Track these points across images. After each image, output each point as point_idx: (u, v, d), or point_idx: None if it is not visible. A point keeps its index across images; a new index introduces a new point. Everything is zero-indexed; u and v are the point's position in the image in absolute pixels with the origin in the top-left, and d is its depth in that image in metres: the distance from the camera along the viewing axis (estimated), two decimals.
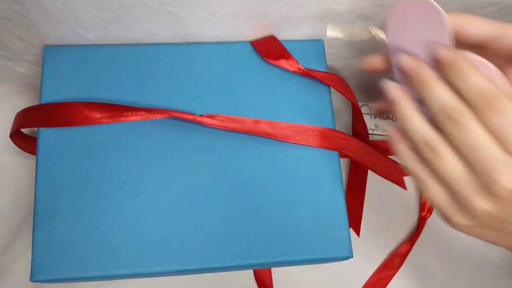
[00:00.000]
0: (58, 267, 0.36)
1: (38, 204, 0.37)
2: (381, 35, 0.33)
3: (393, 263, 0.51)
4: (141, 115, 0.39)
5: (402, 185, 0.42)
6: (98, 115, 0.39)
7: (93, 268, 0.36)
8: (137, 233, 0.37)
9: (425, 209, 0.54)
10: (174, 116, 0.39)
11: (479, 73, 0.26)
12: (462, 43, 0.30)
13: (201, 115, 0.39)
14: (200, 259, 0.37)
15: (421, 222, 0.53)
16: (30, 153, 0.47)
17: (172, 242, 0.37)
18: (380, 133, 0.55)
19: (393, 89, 0.29)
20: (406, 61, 0.29)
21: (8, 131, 0.51)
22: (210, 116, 0.39)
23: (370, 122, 0.55)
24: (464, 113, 0.26)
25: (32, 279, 0.35)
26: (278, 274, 0.49)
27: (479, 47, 0.30)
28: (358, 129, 0.49)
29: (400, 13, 0.31)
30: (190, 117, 0.39)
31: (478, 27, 0.29)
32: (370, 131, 0.55)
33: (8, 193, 0.50)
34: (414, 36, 0.30)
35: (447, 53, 0.27)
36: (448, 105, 0.26)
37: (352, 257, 0.38)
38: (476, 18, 0.30)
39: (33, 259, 0.35)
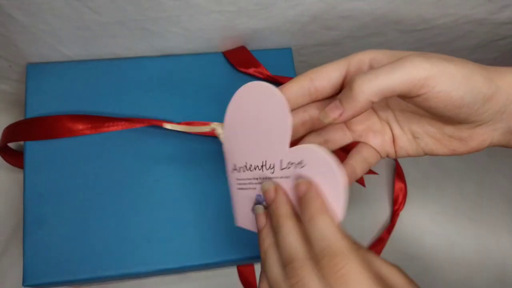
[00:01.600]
0: (49, 271, 0.38)
1: (27, 213, 0.39)
2: (219, 130, 0.31)
3: None
4: (121, 125, 0.41)
5: (362, 183, 0.45)
6: (81, 127, 0.41)
7: (81, 271, 0.38)
8: (121, 236, 0.39)
9: (397, 203, 0.57)
10: (153, 125, 0.41)
11: (325, 218, 0.25)
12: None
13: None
14: (181, 258, 0.39)
15: (394, 215, 0.56)
16: (17, 167, 0.49)
17: (155, 243, 0.39)
18: None
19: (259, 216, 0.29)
20: (267, 186, 0.28)
21: None
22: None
23: None
24: (303, 267, 0.24)
25: (25, 283, 0.37)
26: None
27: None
28: None
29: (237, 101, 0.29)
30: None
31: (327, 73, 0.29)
32: None
33: None
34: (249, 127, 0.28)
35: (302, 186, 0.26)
36: (292, 253, 0.25)
37: None
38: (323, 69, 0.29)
39: (25, 264, 0.38)
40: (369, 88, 0.25)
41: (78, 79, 0.43)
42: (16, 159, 0.48)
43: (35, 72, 0.43)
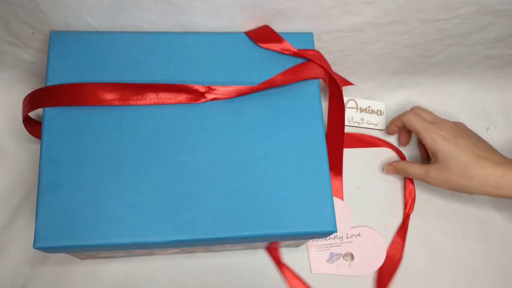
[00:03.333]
0: (60, 235, 0.37)
1: (42, 177, 0.39)
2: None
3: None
4: (149, 99, 0.41)
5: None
6: (109, 97, 0.41)
7: (93, 237, 0.38)
8: (135, 205, 0.39)
9: (407, 205, 0.56)
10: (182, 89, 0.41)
11: None
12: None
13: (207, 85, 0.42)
14: (195, 230, 0.39)
15: (406, 218, 0.56)
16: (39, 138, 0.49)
17: (169, 214, 0.39)
18: (366, 126, 0.59)
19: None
20: None
21: (10, 117, 0.53)
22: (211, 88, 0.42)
23: (356, 116, 0.59)
24: None
25: (35, 246, 0.37)
26: None
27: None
28: (334, 106, 0.50)
29: None
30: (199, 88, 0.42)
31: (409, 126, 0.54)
32: (356, 124, 0.58)
33: (8, 176, 0.52)
34: None
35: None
36: None
37: (336, 231, 0.40)
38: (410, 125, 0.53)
39: (37, 227, 0.37)
40: (406, 174, 0.56)
41: (100, 50, 0.43)
42: (38, 130, 0.48)
43: (58, 39, 0.43)
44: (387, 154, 0.58)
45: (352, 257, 0.53)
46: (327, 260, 0.53)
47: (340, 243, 0.53)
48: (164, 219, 0.39)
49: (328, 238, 0.53)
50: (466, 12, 0.46)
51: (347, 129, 0.58)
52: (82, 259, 0.49)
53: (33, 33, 0.45)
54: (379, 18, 0.45)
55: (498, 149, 0.60)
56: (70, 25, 0.44)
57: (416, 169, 0.52)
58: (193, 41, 0.45)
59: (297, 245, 0.52)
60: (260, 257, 0.52)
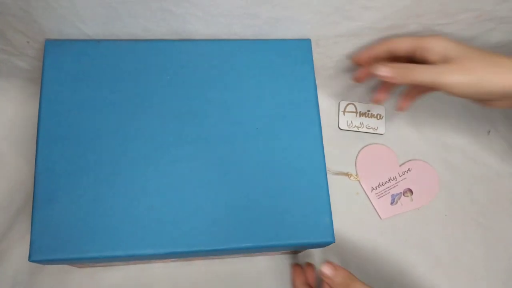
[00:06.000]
0: (56, 247, 0.37)
1: (37, 188, 0.38)
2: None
3: None
4: None
5: None
6: None
7: (89, 250, 0.38)
8: (132, 216, 0.39)
9: None
10: None
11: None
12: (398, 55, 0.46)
13: None
14: (192, 242, 0.39)
15: None
16: None
17: (166, 226, 0.39)
18: (365, 130, 0.58)
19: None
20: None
21: (8, 124, 0.53)
22: None
23: (356, 120, 0.58)
24: None
25: (31, 258, 0.37)
26: None
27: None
28: None
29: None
30: None
31: (403, 43, 0.45)
32: (355, 129, 0.58)
33: (6, 183, 0.51)
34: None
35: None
36: None
37: (334, 242, 0.40)
38: (402, 38, 0.45)
39: (32, 239, 0.37)
40: (412, 77, 0.42)
41: (96, 58, 0.43)
42: None
43: (53, 48, 0.43)
44: None
45: (411, 191, 0.56)
46: (391, 203, 0.55)
47: (396, 183, 0.56)
48: (161, 231, 0.39)
49: (383, 182, 0.56)
50: (467, 17, 0.45)
51: (346, 133, 0.58)
52: (80, 267, 0.49)
53: (28, 42, 0.45)
54: (378, 23, 0.45)
55: (499, 152, 0.60)
56: (65, 34, 0.43)
57: (426, 71, 0.41)
58: (189, 49, 0.44)
59: (295, 253, 0.51)
60: (259, 264, 0.52)
